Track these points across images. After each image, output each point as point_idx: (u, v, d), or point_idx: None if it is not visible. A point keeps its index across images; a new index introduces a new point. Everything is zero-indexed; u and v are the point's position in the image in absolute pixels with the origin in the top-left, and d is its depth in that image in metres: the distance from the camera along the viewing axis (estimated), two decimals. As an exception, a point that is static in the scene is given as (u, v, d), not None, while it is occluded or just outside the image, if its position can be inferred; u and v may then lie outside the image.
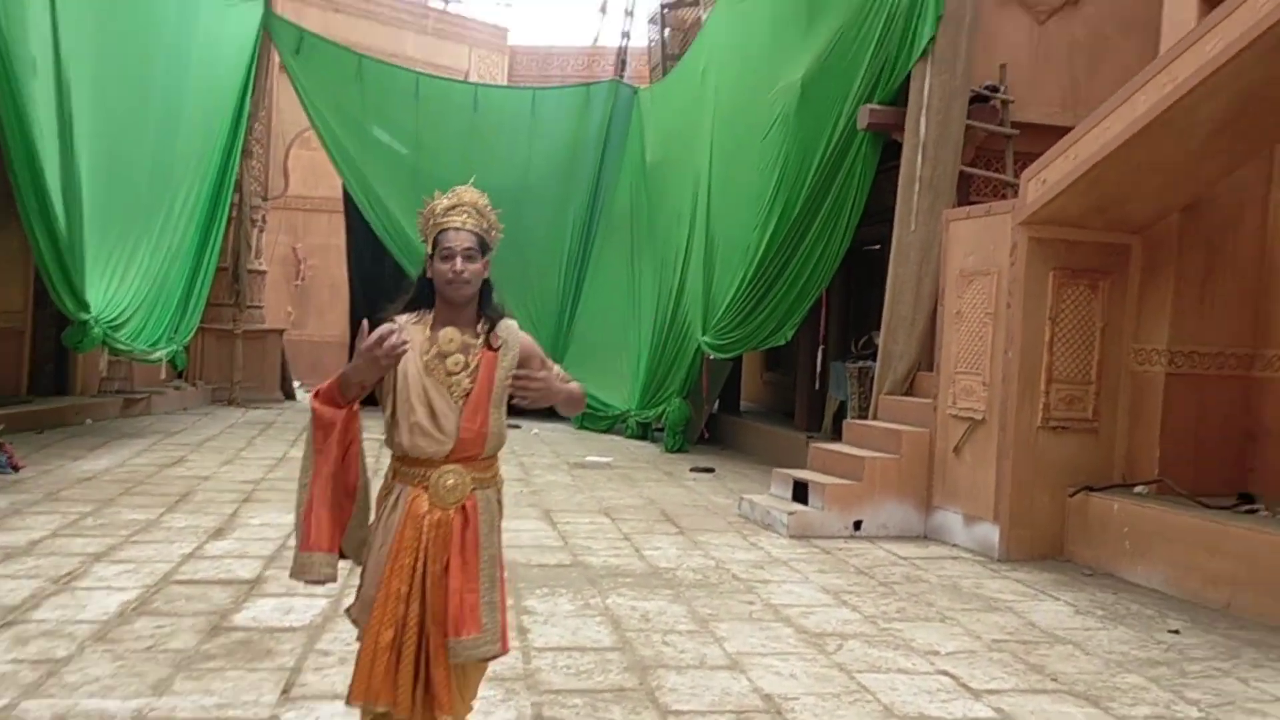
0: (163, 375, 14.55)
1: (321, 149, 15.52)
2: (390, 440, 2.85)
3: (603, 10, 21.57)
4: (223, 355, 15.58)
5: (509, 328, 2.92)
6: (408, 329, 2.80)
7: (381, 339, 2.61)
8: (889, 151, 9.43)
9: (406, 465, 2.81)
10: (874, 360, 9.77)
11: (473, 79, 18.44)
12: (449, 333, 2.82)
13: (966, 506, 7.38)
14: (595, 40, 21.23)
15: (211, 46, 13.70)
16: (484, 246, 2.85)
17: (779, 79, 10.83)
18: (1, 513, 6.99)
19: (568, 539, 7.04)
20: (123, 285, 11.48)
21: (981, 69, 9.05)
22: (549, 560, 6.37)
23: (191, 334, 13.49)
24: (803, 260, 9.96)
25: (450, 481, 2.80)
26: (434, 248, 2.83)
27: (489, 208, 2.91)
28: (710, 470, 10.78)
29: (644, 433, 13.21)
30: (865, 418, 9.03)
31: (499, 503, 2.92)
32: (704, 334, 11.46)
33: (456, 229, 2.81)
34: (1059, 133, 7.39)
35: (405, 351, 2.65)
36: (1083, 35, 9.33)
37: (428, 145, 15.28)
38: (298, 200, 18.13)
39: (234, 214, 15.05)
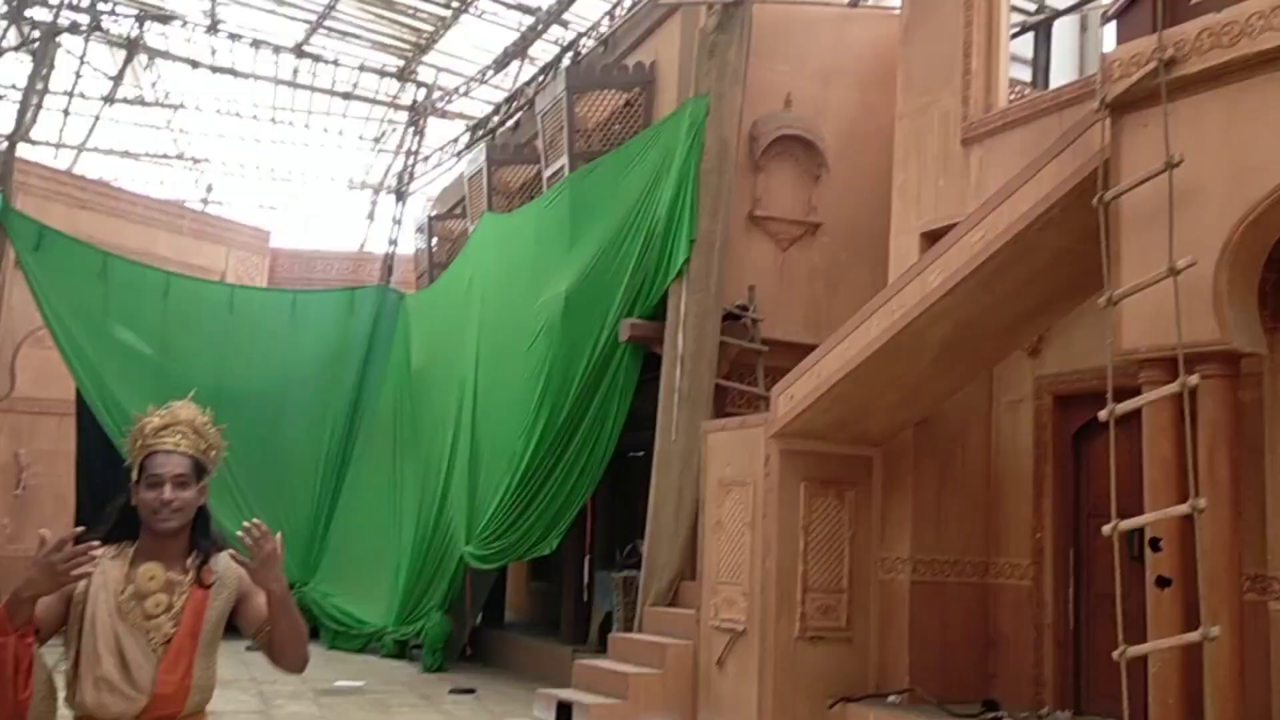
0: None
1: (54, 349, 14.44)
2: (71, 698, 2.42)
3: (370, 217, 21.59)
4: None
5: (225, 562, 2.58)
6: (102, 563, 2.43)
7: (62, 543, 2.21)
8: (650, 362, 9.72)
9: None
10: (639, 569, 9.70)
11: (230, 280, 17.88)
12: (150, 569, 2.48)
13: (732, 721, 7.25)
14: (362, 246, 21.21)
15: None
16: (200, 470, 2.55)
17: (544, 291, 11.09)
18: None
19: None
20: None
21: (732, 289, 9.62)
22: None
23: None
24: (568, 467, 9.97)
25: None
26: (140, 473, 2.51)
27: (208, 425, 2.63)
28: (471, 691, 10.17)
29: (401, 651, 12.41)
30: (631, 629, 8.86)
31: None
32: (468, 543, 11.09)
33: (167, 452, 2.51)
34: (804, 349, 7.86)
35: (90, 564, 2.25)
36: (821, 262, 10.12)
37: (177, 347, 14.55)
38: (25, 402, 16.63)
39: (-53, 419, 13.60)
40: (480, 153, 14.70)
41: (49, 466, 16.94)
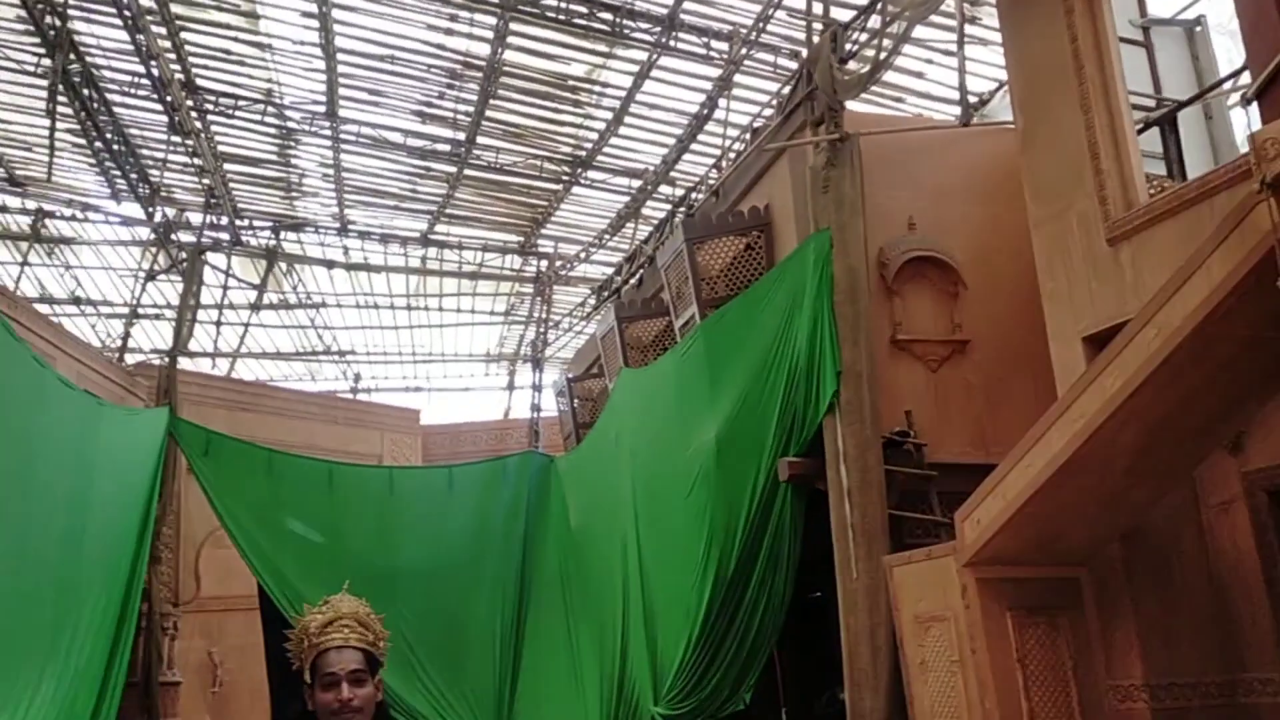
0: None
1: (233, 547, 15.09)
2: None
3: (509, 387, 22.30)
4: (131, 784, 14.17)
5: None
6: None
7: None
8: (815, 500, 9.62)
9: None
10: (843, 718, 9.41)
11: (386, 462, 18.57)
12: None
13: None
14: (505, 414, 21.87)
15: (115, 457, 13.60)
16: (373, 664, 2.48)
17: (693, 439, 11.17)
18: None
19: None
20: (28, 715, 10.56)
21: (888, 416, 9.50)
22: None
23: (98, 764, 12.29)
24: (748, 615, 9.82)
25: None
26: (313, 674, 2.45)
27: (372, 616, 2.56)
28: None
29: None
30: (840, 780, 8.55)
31: None
32: (656, 704, 10.94)
33: (338, 648, 2.44)
34: (975, 469, 7.72)
35: None
36: (975, 378, 9.99)
37: (345, 532, 15.03)
38: (212, 601, 17.38)
39: (143, 624, 14.28)
40: (609, 313, 15.11)
41: (240, 661, 17.53)
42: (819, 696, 10.56)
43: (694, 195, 14.94)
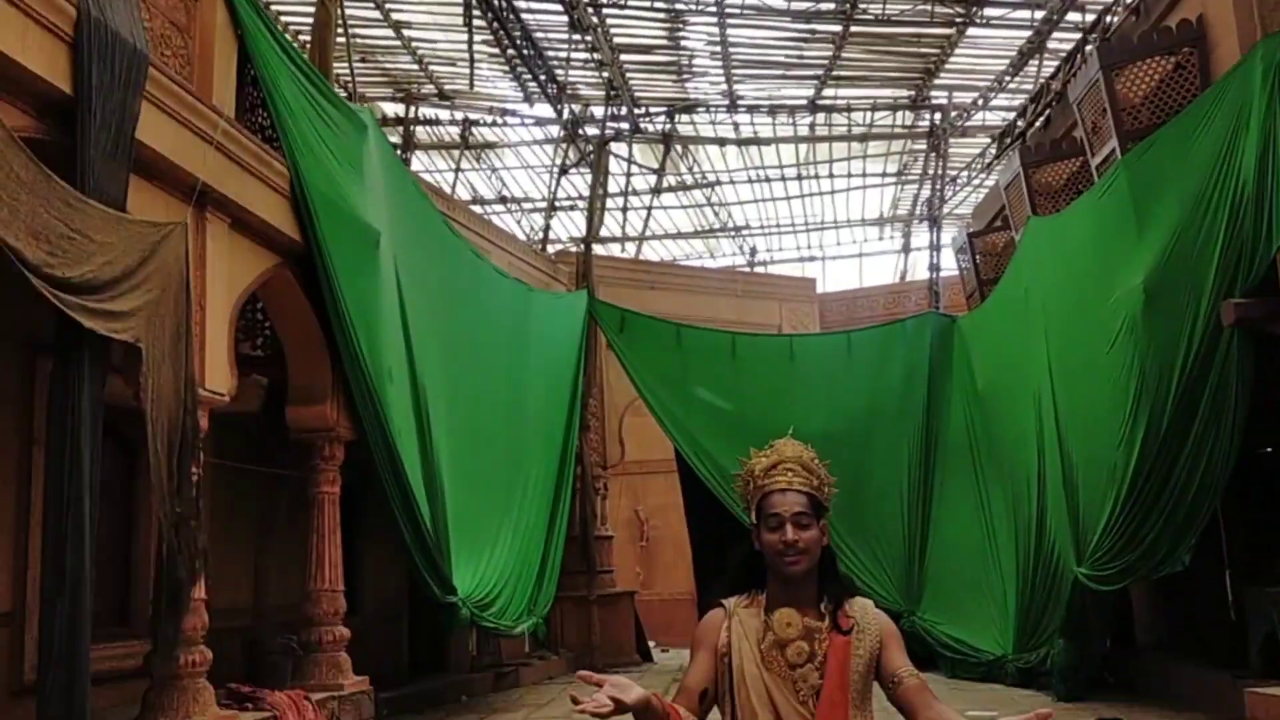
0: (526, 648, 15.03)
1: (650, 415, 16.17)
2: None
3: (905, 249, 21.62)
4: (580, 622, 16.01)
5: (861, 606, 2.46)
6: (738, 613, 2.42)
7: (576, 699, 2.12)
8: (1269, 345, 8.44)
9: None
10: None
11: (785, 330, 18.87)
12: (786, 615, 2.37)
13: None
14: (902, 277, 21.30)
15: (545, 336, 14.94)
16: (818, 508, 2.42)
17: (1115, 287, 10.19)
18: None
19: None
20: (488, 567, 12.13)
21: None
22: None
23: (549, 605, 13.93)
24: (1184, 474, 8.91)
25: None
26: (758, 515, 2.43)
27: (816, 461, 2.51)
28: (1116, 722, 9.39)
29: (1028, 680, 11.82)
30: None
31: None
32: (1080, 565, 10.36)
33: (782, 490, 2.41)
34: None
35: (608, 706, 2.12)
36: None
37: (747, 398, 15.53)
38: (635, 465, 18.86)
39: (578, 485, 15.82)
40: (1012, 160, 14.06)
41: (663, 519, 19.04)
42: (1272, 559, 9.40)
43: (1109, 18, 13.30)
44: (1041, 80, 15.58)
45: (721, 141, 20.73)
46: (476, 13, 15.72)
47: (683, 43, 18.53)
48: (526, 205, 22.60)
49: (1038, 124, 14.86)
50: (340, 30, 12.05)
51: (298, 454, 8.88)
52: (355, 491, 10.96)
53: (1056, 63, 15.09)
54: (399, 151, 16.94)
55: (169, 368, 6.10)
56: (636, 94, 19.66)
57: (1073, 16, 15.55)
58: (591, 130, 19.12)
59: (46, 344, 5.92)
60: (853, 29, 16.90)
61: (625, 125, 19.49)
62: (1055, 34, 16.06)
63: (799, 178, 21.34)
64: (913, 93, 19.00)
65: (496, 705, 12.16)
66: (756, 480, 2.48)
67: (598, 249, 19.20)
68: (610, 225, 21.80)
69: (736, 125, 20.45)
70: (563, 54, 17.69)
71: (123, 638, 7.33)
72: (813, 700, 2.30)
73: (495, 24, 16.25)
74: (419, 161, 20.58)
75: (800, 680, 2.32)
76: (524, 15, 16.72)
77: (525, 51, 17.17)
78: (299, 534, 8.55)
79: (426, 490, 10.50)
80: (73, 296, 5.34)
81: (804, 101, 19.35)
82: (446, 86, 19.76)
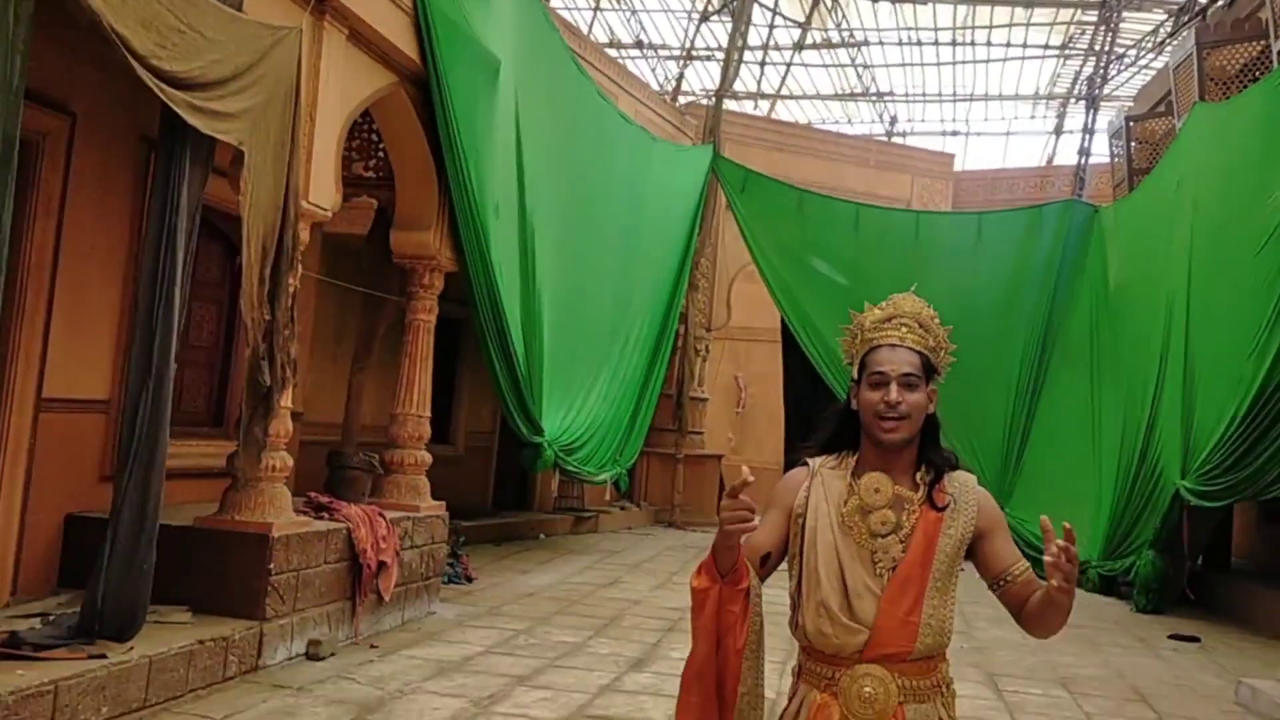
0: (607, 496, 15.33)
1: (761, 282, 15.87)
2: (793, 621, 2.19)
3: (1057, 130, 20.27)
4: (664, 478, 16.23)
5: (961, 482, 2.18)
6: (822, 474, 2.20)
7: (733, 491, 1.99)
8: None
9: (812, 660, 2.15)
10: None
11: (915, 207, 18.10)
12: (874, 479, 2.13)
13: None
14: (1049, 160, 20.04)
15: (663, 188, 14.61)
16: (929, 370, 2.18)
17: (1274, 186, 9.34)
18: (447, 624, 7.45)
19: (1016, 714, 6.11)
20: (579, 413, 12.24)
21: None
22: (992, 738, 5.52)
23: (635, 457, 14.08)
24: (1317, 394, 8.28)
25: (868, 689, 2.06)
26: (861, 370, 2.19)
27: (935, 320, 2.25)
28: (1195, 640, 9.09)
29: (1109, 587, 11.55)
30: None
31: None
32: (1183, 478, 9.87)
33: (892, 346, 2.16)
34: None
35: (749, 522, 1.98)
36: None
37: (867, 275, 15.00)
38: (739, 331, 18.68)
39: (679, 344, 15.74)
40: (1189, 38, 12.83)
41: (762, 388, 18.91)
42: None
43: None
44: (1234, -47, 14.07)
45: (874, -2, 19.54)
46: None
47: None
48: (663, 52, 21.93)
49: (1220, 2, 13.52)
50: None
51: (401, 280, 8.98)
52: (458, 323, 11.12)
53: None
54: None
55: (271, 175, 6.11)
56: (787, -60, 18.63)
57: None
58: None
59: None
60: (1028, -118, 15.51)
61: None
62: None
63: (952, 43, 20.02)
64: (1088, -43, 17.49)
65: (572, 546, 12.51)
66: (866, 333, 2.25)
67: (729, 104, 18.57)
68: (745, 80, 21.00)
69: (892, -19, 19.23)
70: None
71: (215, 437, 7.64)
72: (888, 574, 2.08)
73: None
74: (556, -5, 20.05)
75: (881, 551, 2.10)
76: None
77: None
78: (396, 359, 8.71)
79: (524, 329, 10.54)
80: (179, 91, 5.32)
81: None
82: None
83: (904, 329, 2.21)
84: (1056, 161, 19.74)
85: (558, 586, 9.49)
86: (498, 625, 7.50)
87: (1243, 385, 9.09)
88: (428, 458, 8.29)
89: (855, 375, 2.24)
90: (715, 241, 17.32)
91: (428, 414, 8.35)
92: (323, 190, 6.92)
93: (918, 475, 2.18)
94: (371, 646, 6.63)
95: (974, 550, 2.18)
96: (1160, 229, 11.99)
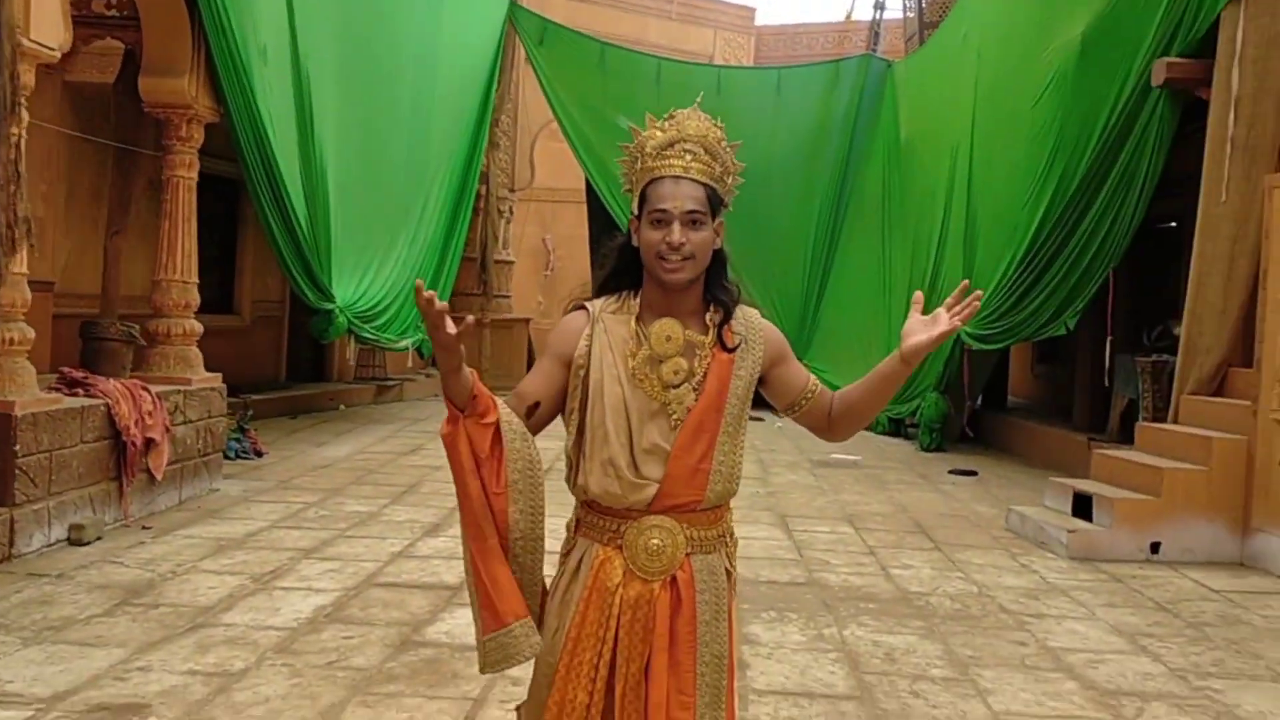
0: (410, 363, 14.91)
1: (565, 140, 15.44)
2: (572, 479, 1.99)
3: (855, -16, 20.31)
4: (470, 344, 15.69)
5: (748, 318, 2.03)
6: (604, 319, 1.98)
7: (429, 300, 1.73)
8: (1192, 112, 8.05)
9: (593, 514, 1.98)
10: (1171, 354, 8.40)
11: (717, 62, 17.90)
12: (666, 327, 1.93)
13: (1298, 533, 6.04)
14: (848, 15, 20.16)
15: (458, 38, 13.82)
16: (715, 203, 1.94)
17: (1054, 36, 9.60)
18: (232, 500, 7.06)
19: (804, 551, 6.30)
20: (376, 278, 11.68)
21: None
22: (780, 576, 5.66)
23: (438, 323, 13.64)
24: (1084, 238, 8.67)
25: (655, 541, 1.93)
26: (642, 203, 1.94)
27: (723, 142, 1.99)
28: (972, 474, 9.68)
29: (896, 429, 12.20)
30: (1161, 420, 7.73)
31: (729, 573, 2.02)
32: (965, 324, 10.33)
33: (675, 178, 1.91)
34: None
35: (438, 305, 1.72)
36: None
37: (670, 132, 14.80)
38: (545, 192, 18.27)
39: (480, 205, 15.21)
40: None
41: (570, 250, 18.66)
42: (1149, 329, 9.46)
43: None
44: None
45: None
46: None
47: None
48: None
49: None
50: None
51: (158, 133, 8.15)
52: (237, 183, 10.28)
53: None
54: None
55: (-21, 10, 5.29)
56: None
57: None
58: None
59: None
60: None
61: None
62: None
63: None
64: None
65: (373, 416, 12.14)
66: (647, 159, 1.97)
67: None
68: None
69: None
70: None
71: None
72: (681, 425, 1.91)
73: None
74: None
75: (675, 403, 1.92)
76: None
77: None
78: (156, 221, 7.95)
79: (305, 188, 9.85)
80: None
81: None
82: None
83: (689, 156, 1.95)
84: (855, 16, 19.89)
85: (354, 457, 9.17)
86: (286, 499, 7.16)
87: (1019, 233, 9.47)
88: (198, 327, 7.69)
89: (635, 208, 1.99)
90: (516, 97, 16.68)
91: (194, 279, 7.70)
92: (48, 26, 6.07)
93: (707, 316, 1.99)
94: (144, 528, 6.19)
95: (765, 381, 2.05)
96: (947, 82, 12.25)
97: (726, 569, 2.00)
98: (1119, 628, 4.94)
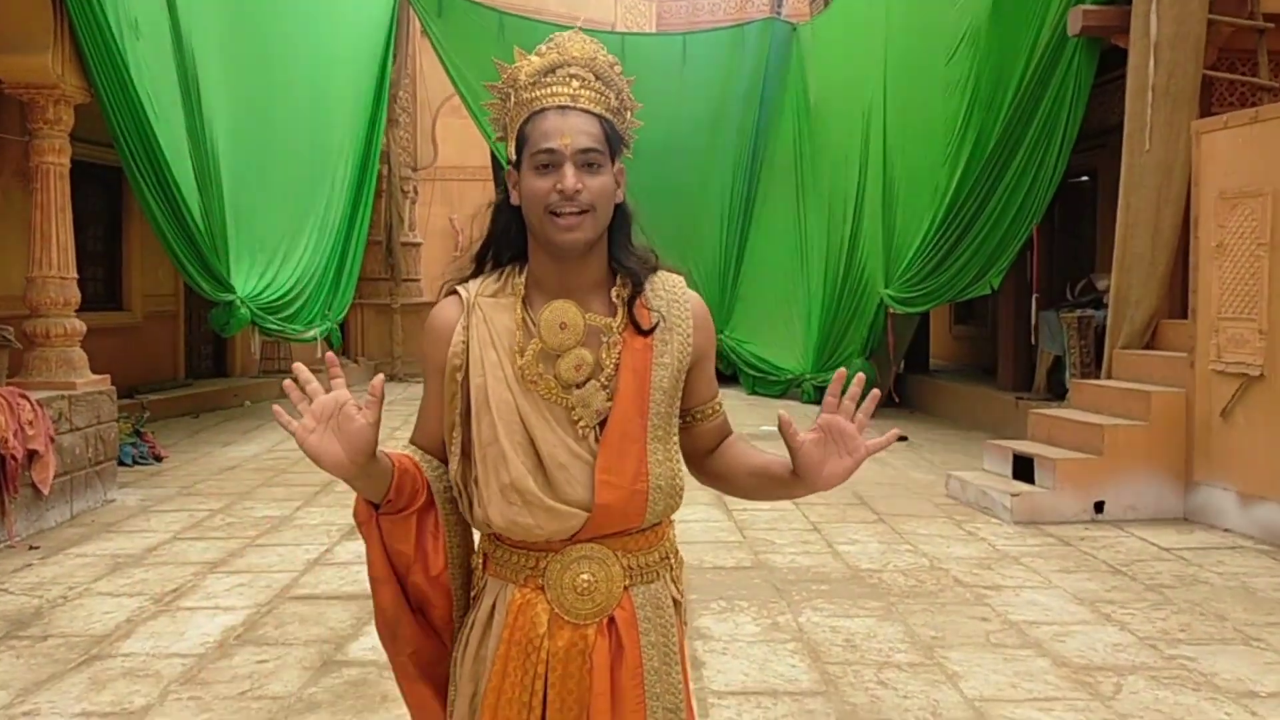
0: (319, 354, 14.26)
1: (469, 116, 14.90)
2: (470, 509, 1.54)
3: (756, -53, 20.01)
4: (381, 330, 15.40)
5: (670, 288, 1.58)
6: (479, 306, 1.56)
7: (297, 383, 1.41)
8: (1108, 61, 7.96)
9: (504, 549, 1.54)
10: (1097, 308, 8.36)
11: (619, 29, 17.47)
12: (558, 311, 1.50)
13: (1241, 483, 5.98)
14: (749, -21, 19.84)
15: (349, 17, 13.20)
16: (614, 143, 1.51)
17: (963, -11, 9.45)
18: (129, 511, 6.52)
19: (745, 531, 6.04)
20: (284, 265, 11.08)
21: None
22: (726, 561, 5.38)
23: (345, 311, 13.08)
24: (1006, 195, 8.54)
25: (585, 576, 1.52)
26: (520, 148, 1.50)
27: (616, 68, 1.55)
28: (904, 439, 9.55)
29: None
30: (1092, 376, 7.65)
31: (676, 603, 1.62)
32: (887, 287, 10.19)
33: (561, 109, 1.47)
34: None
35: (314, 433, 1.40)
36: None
37: (575, 102, 14.39)
38: (451, 170, 17.64)
39: (383, 187, 14.62)
40: None
41: (481, 230, 18.09)
42: (1072, 284, 9.43)
43: None
44: None
45: None
46: None
47: None
48: None
49: None
50: None
51: (23, 116, 7.47)
52: (118, 170, 9.57)
53: None
54: None
55: None
56: None
57: None
58: None
59: None
60: None
61: None
62: None
63: None
64: None
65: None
66: (521, 90, 1.52)
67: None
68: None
69: None
70: None
71: None
72: (595, 434, 1.49)
73: None
74: None
75: (580, 406, 1.49)
76: None
77: None
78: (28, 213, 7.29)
79: (197, 173, 9.22)
80: None
81: None
82: None
83: (576, 83, 1.50)
84: (757, -20, 19.57)
85: (262, 456, 8.64)
86: (189, 507, 6.64)
87: (939, 193, 9.33)
88: (80, 326, 7.08)
89: (513, 155, 1.53)
90: (414, 72, 16.03)
91: (73, 274, 7.08)
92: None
93: (613, 292, 1.55)
94: (31, 548, 5.64)
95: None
96: (857, 42, 12.06)
97: (674, 598, 1.61)
98: (1078, 595, 4.78)
